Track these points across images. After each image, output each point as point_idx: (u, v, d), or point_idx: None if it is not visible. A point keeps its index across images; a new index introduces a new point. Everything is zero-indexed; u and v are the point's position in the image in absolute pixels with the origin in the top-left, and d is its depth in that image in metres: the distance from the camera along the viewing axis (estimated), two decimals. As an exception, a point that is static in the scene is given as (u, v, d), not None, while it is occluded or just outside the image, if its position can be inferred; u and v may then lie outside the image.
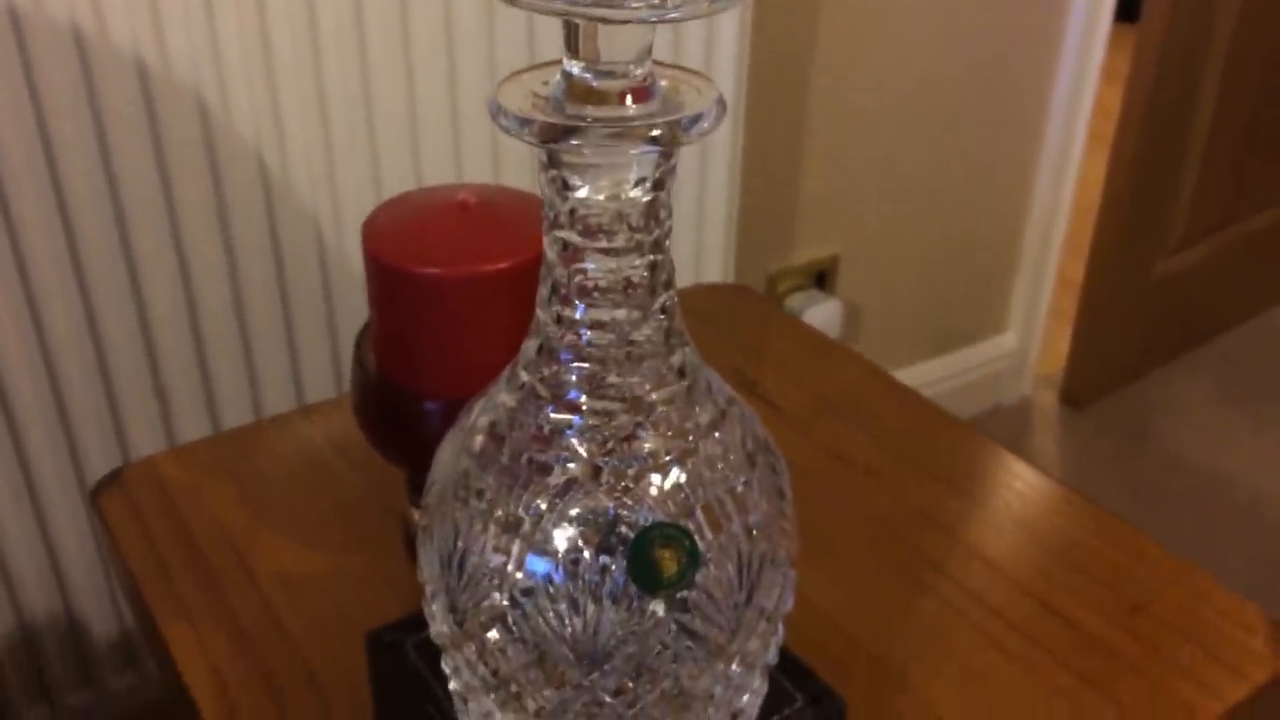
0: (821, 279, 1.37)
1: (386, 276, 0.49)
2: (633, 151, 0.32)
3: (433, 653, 0.42)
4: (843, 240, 1.37)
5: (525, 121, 0.32)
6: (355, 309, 0.93)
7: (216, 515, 0.59)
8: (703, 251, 1.09)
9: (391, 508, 0.59)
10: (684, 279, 0.87)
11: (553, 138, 0.32)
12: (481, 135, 0.91)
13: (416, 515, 0.56)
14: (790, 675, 0.45)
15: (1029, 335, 1.62)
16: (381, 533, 0.58)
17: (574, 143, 0.32)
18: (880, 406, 0.70)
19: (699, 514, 0.36)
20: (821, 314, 1.33)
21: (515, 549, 0.36)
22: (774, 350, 0.75)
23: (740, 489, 0.37)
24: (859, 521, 0.60)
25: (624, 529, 0.35)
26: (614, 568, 0.35)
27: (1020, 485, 0.64)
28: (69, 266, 0.82)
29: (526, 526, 0.36)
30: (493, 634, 0.37)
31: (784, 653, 0.43)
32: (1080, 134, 1.48)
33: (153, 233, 0.83)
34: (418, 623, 0.47)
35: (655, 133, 0.31)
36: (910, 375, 1.49)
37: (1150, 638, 0.53)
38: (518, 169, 0.94)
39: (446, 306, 0.48)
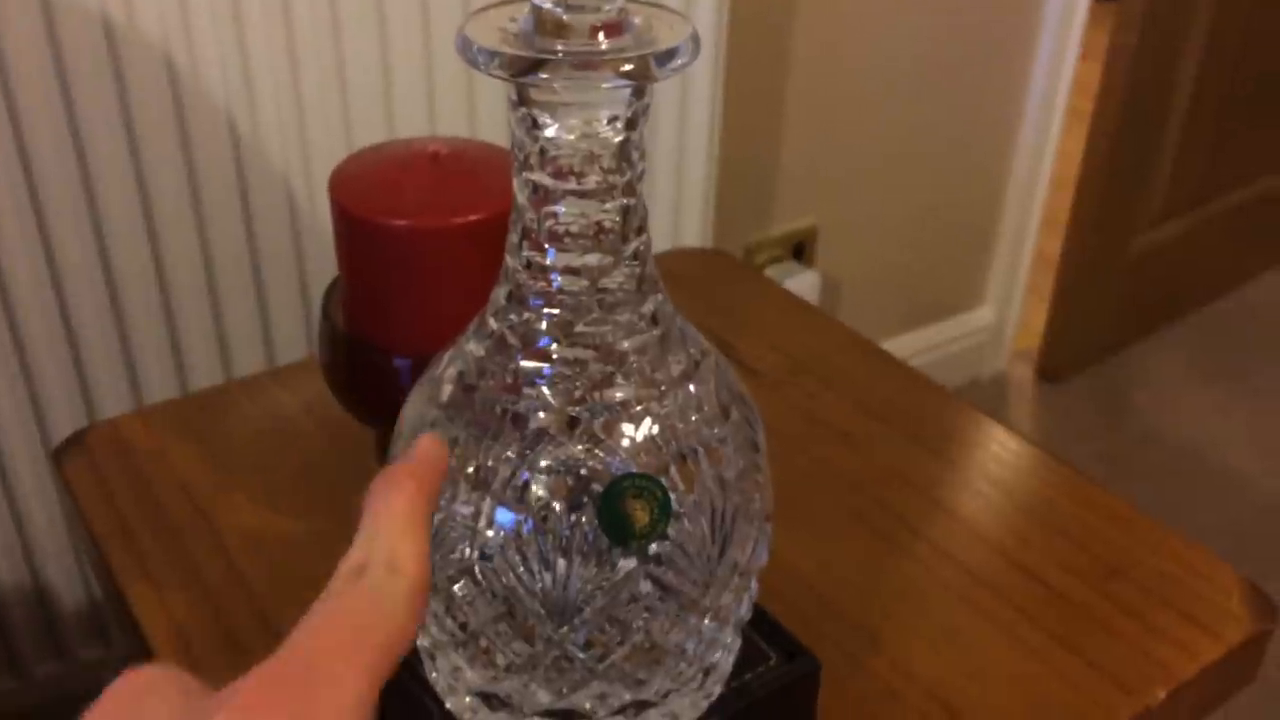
0: (800, 251, 1.37)
1: (355, 228, 0.48)
2: (604, 85, 0.31)
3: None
4: (821, 212, 1.37)
5: (493, 54, 0.31)
6: (327, 268, 0.91)
7: (181, 476, 0.58)
8: (680, 220, 1.08)
9: (361, 469, 0.58)
10: (661, 247, 0.86)
11: (522, 70, 0.30)
12: (456, 90, 0.90)
13: (386, 475, 0.55)
14: (764, 633, 0.44)
15: (1006, 309, 1.62)
16: (350, 493, 0.57)
17: (543, 76, 0.31)
18: (856, 370, 0.69)
19: (672, 466, 0.35)
20: (799, 285, 1.33)
21: (484, 501, 0.35)
22: (751, 314, 0.74)
23: (714, 441, 0.37)
24: (834, 483, 0.60)
25: (594, 480, 0.35)
26: (584, 520, 0.35)
27: (997, 448, 0.63)
28: (32, 224, 0.80)
29: (495, 477, 0.35)
30: (460, 587, 0.36)
31: (758, 610, 0.42)
32: (1059, 109, 1.48)
33: (119, 189, 0.81)
34: (386, 581, 0.46)
35: (627, 66, 0.31)
36: (887, 348, 1.48)
37: (1126, 599, 0.52)
38: (492, 124, 0.93)
39: (417, 259, 0.47)
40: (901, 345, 1.52)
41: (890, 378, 0.69)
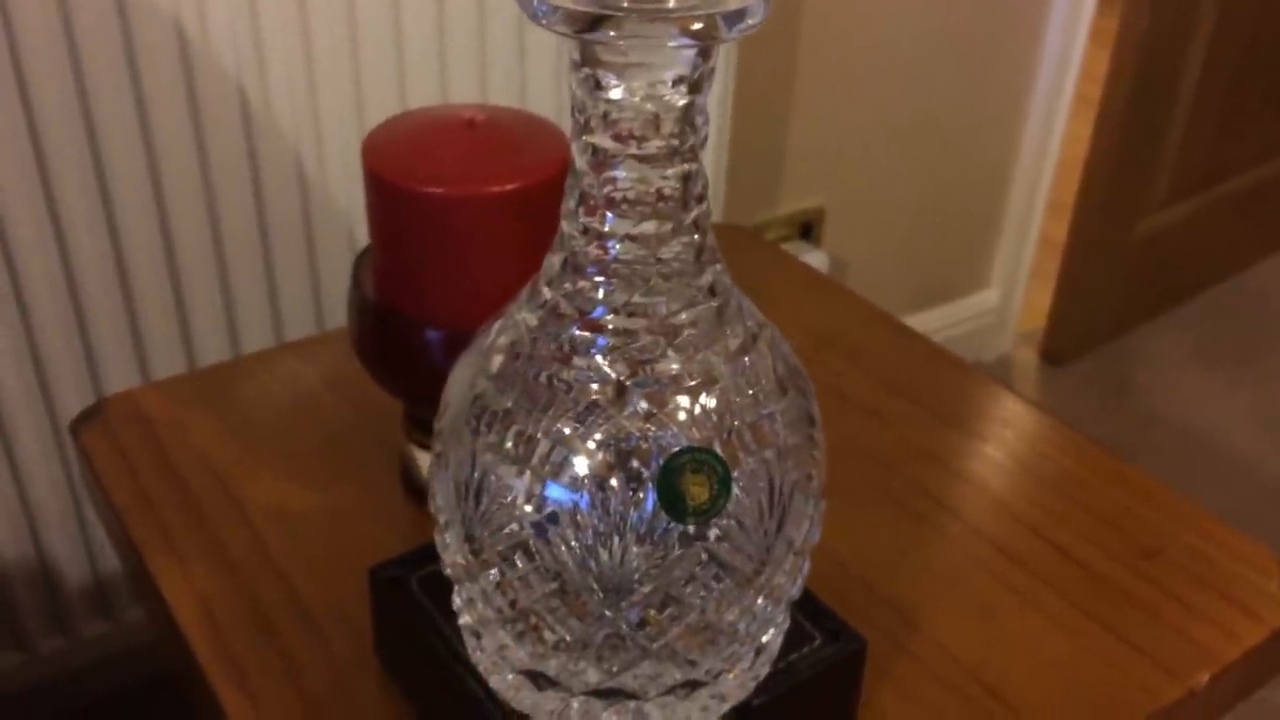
0: (807, 231, 1.35)
1: (388, 196, 0.46)
2: (670, 44, 0.30)
3: (438, 588, 0.41)
4: (829, 193, 1.35)
5: (557, 8, 0.29)
6: (338, 243, 0.90)
7: (202, 448, 0.57)
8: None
9: (386, 442, 0.57)
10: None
11: (587, 26, 0.29)
12: (469, 61, 0.88)
13: (414, 450, 0.54)
14: (808, 613, 0.44)
15: (1011, 292, 1.61)
16: (375, 468, 0.57)
17: (610, 34, 0.29)
18: (880, 346, 0.68)
19: (729, 440, 0.35)
20: (807, 265, 1.32)
21: (537, 475, 0.34)
22: (770, 289, 0.73)
23: (771, 416, 0.36)
24: (865, 461, 0.59)
25: (651, 455, 0.34)
26: (640, 494, 0.34)
27: (1027, 425, 0.63)
28: (40, 198, 0.78)
29: (549, 451, 0.34)
30: (512, 564, 0.35)
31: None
32: (1068, 93, 1.47)
33: (128, 162, 0.80)
34: (421, 557, 0.45)
35: (696, 25, 0.29)
36: (893, 329, 1.48)
37: (1164, 580, 0.52)
38: (505, 95, 0.91)
39: (452, 229, 0.46)
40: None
41: (914, 353, 0.68)
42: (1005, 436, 0.62)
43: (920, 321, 1.54)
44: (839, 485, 0.57)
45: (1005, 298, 1.61)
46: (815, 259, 1.33)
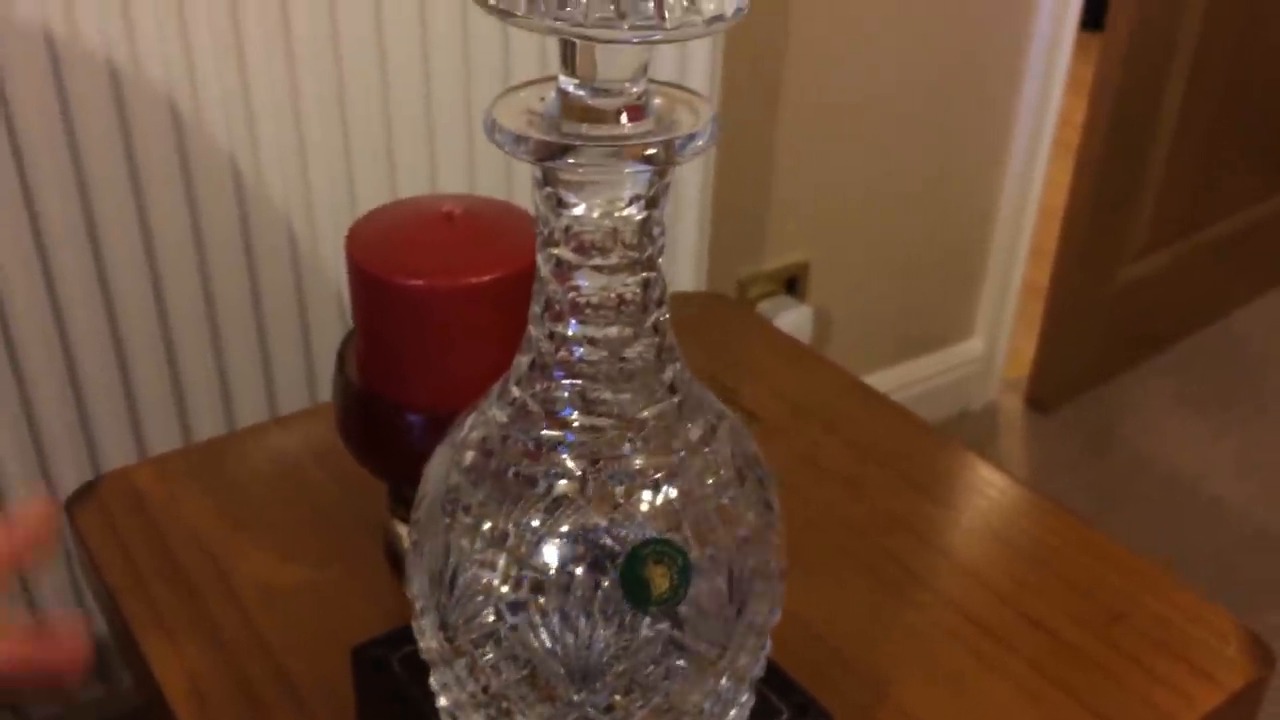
0: (792, 285, 1.38)
1: (371, 287, 0.48)
2: (627, 170, 0.32)
3: (419, 668, 0.42)
4: (813, 247, 1.38)
5: (521, 139, 0.32)
6: (330, 318, 0.92)
7: (193, 526, 0.59)
8: (676, 257, 1.10)
9: (371, 518, 0.59)
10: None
11: (548, 155, 0.32)
12: (457, 143, 0.91)
13: (399, 527, 0.56)
14: (775, 687, 0.45)
15: (996, 340, 1.63)
16: (362, 544, 0.58)
17: (569, 161, 0.32)
18: (857, 414, 0.70)
19: (689, 528, 0.36)
20: (792, 319, 1.34)
21: (506, 565, 0.36)
22: (750, 358, 0.75)
23: (730, 503, 0.37)
24: (838, 530, 0.61)
25: (615, 545, 0.35)
26: (606, 584, 0.35)
27: (995, 493, 0.64)
28: (38, 273, 0.80)
29: (518, 542, 0.36)
30: (484, 651, 0.36)
31: (769, 664, 0.43)
32: (1046, 141, 1.50)
33: (124, 240, 0.82)
34: (403, 637, 0.46)
35: (650, 152, 0.32)
36: (879, 380, 1.50)
37: (1128, 646, 0.53)
38: (493, 175, 0.94)
39: (432, 318, 0.48)
40: (893, 377, 1.53)
41: (891, 422, 0.70)
42: (978, 504, 0.63)
43: (906, 371, 1.56)
44: (813, 554, 0.59)
45: (990, 346, 1.64)
46: (800, 313, 1.35)
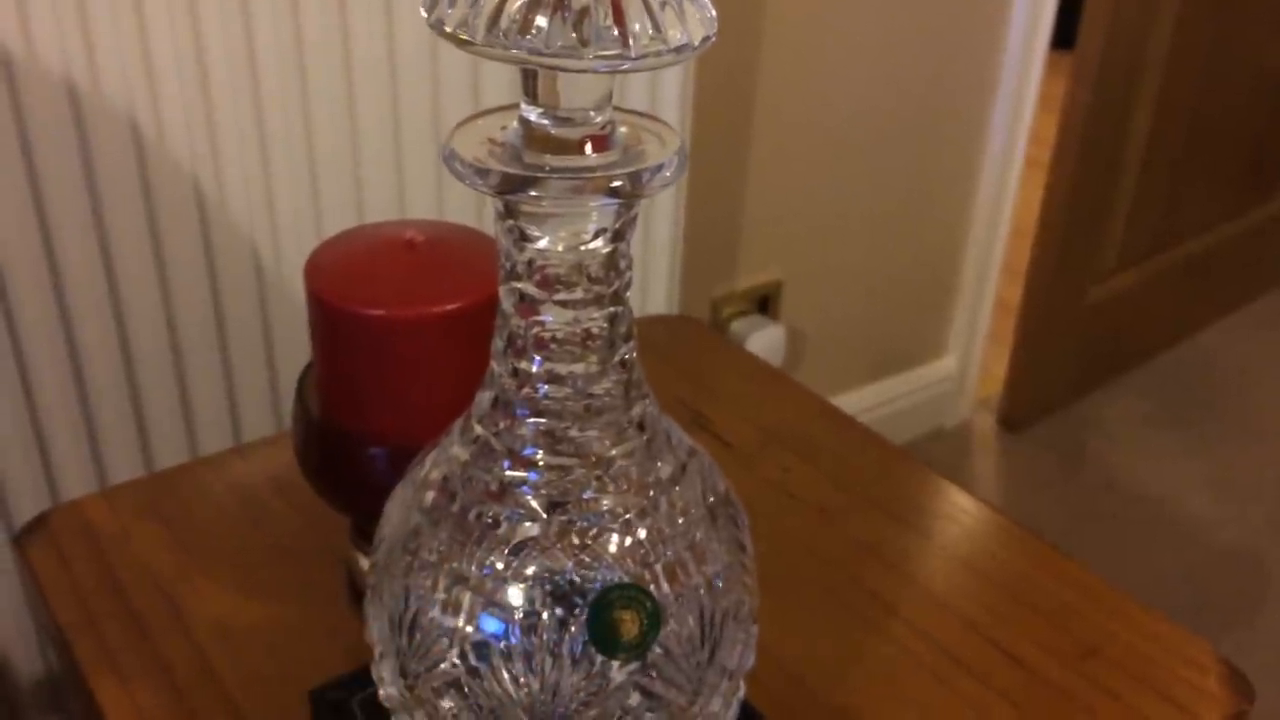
0: (765, 304, 1.37)
1: (330, 317, 0.47)
2: (593, 203, 0.31)
3: (381, 712, 0.41)
4: (786, 266, 1.37)
5: (482, 171, 0.30)
6: (295, 345, 0.90)
7: (147, 561, 0.57)
8: (648, 278, 1.09)
9: (333, 551, 0.57)
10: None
11: (510, 189, 0.30)
12: (425, 166, 0.90)
13: (361, 560, 0.54)
14: (748, 728, 0.44)
15: (968, 359, 1.63)
16: (322, 578, 0.57)
17: (532, 194, 0.30)
18: (828, 441, 0.69)
19: (659, 570, 0.35)
20: (765, 339, 1.33)
21: (469, 609, 0.35)
22: (721, 383, 0.74)
23: (701, 544, 0.36)
24: (809, 559, 0.60)
25: (582, 588, 0.34)
26: (572, 628, 0.34)
27: (969, 520, 0.63)
28: (-7, 301, 0.78)
29: (481, 585, 0.34)
30: (446, 700, 0.35)
31: (742, 704, 0.42)
32: (1018, 160, 1.50)
33: (84, 264, 0.80)
34: (362, 678, 0.45)
35: (616, 184, 0.30)
36: (852, 399, 1.49)
37: (1104, 679, 0.52)
38: (462, 199, 0.93)
39: (393, 349, 0.47)
40: (866, 396, 1.53)
41: (862, 448, 0.69)
42: (951, 532, 0.62)
43: (879, 390, 1.55)
44: (783, 583, 0.58)
45: (963, 365, 1.63)
46: (773, 333, 1.35)
